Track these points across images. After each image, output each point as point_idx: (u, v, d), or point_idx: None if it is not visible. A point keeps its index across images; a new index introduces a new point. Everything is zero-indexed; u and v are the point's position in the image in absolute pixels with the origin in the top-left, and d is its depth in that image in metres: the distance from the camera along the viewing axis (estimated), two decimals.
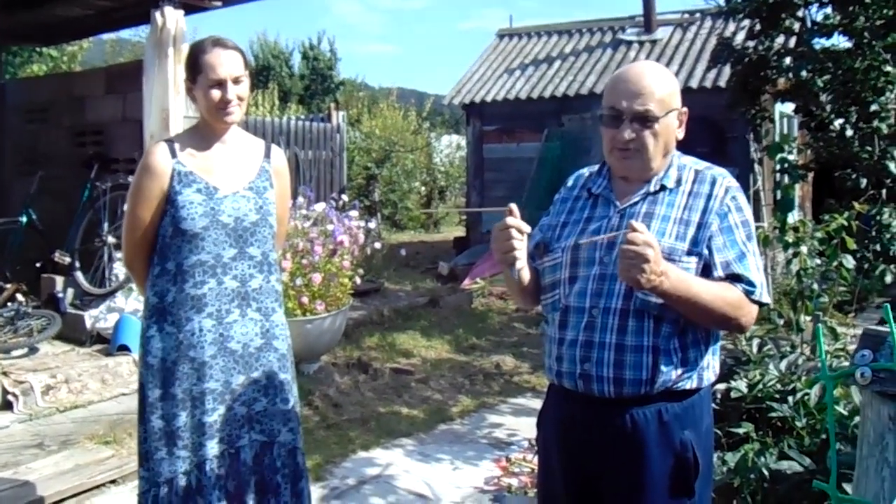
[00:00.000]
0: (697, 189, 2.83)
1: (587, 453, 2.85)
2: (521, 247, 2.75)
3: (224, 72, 3.56)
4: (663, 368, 2.72)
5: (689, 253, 2.73)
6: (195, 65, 3.60)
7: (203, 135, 3.72)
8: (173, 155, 3.63)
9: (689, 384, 2.79)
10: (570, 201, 3.06)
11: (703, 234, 2.75)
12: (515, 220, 2.74)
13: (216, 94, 3.57)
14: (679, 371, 2.75)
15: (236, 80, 3.60)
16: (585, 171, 3.13)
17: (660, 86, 2.78)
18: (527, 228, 2.77)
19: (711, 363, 2.88)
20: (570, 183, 3.15)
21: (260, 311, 3.73)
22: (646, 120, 2.76)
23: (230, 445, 3.68)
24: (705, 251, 2.74)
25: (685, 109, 2.88)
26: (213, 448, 3.63)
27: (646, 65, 2.89)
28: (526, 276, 2.90)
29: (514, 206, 2.77)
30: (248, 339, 3.70)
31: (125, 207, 3.75)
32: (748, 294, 2.72)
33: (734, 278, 2.72)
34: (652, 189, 2.84)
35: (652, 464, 2.76)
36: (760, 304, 2.79)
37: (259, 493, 3.74)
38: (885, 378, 1.97)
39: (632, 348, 2.72)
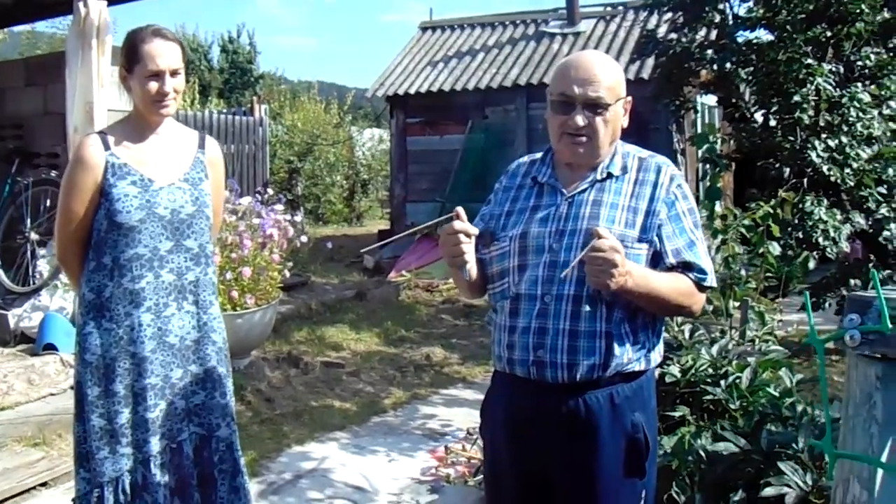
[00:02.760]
0: (643, 177, 2.87)
1: (538, 440, 2.86)
2: (469, 250, 2.79)
3: (163, 63, 3.48)
4: (616, 352, 2.76)
5: (640, 240, 2.78)
6: (133, 54, 3.51)
7: (136, 126, 3.65)
8: (106, 147, 3.54)
9: (639, 366, 2.83)
10: (513, 190, 3.05)
11: (652, 222, 2.80)
12: (463, 225, 2.77)
13: (153, 85, 3.49)
14: (630, 353, 2.79)
15: (174, 73, 3.53)
16: (526, 159, 3.13)
17: (609, 74, 2.81)
18: (474, 231, 2.81)
19: (657, 345, 2.93)
20: (510, 171, 3.14)
21: (196, 303, 3.68)
22: (597, 107, 2.78)
23: (171, 440, 3.62)
24: (655, 239, 2.79)
25: (629, 98, 2.91)
26: (156, 444, 3.57)
27: (595, 54, 2.94)
28: (475, 273, 2.91)
29: (460, 210, 2.79)
30: (185, 332, 3.64)
31: (58, 202, 3.65)
32: (700, 282, 2.79)
33: (685, 266, 2.78)
34: (599, 177, 2.87)
35: (605, 447, 2.79)
36: (708, 290, 2.85)
37: (201, 485, 3.69)
38: (874, 340, 2.05)
39: (585, 334, 2.74)
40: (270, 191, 9.32)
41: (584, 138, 2.82)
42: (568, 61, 2.91)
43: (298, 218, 8.46)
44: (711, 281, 2.82)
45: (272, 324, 8.17)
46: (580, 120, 2.79)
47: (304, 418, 6.79)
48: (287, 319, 9.72)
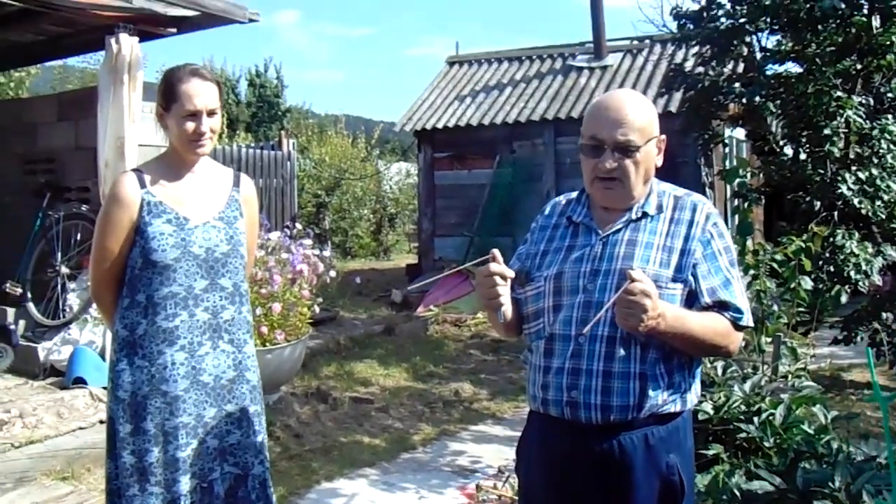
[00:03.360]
0: (679, 216, 2.85)
1: (573, 480, 2.84)
2: (505, 292, 2.79)
3: (200, 103, 3.49)
4: (650, 393, 2.73)
5: (674, 280, 2.75)
6: (170, 93, 3.52)
7: (172, 164, 3.65)
8: (142, 185, 3.55)
9: (674, 407, 2.81)
10: (549, 229, 3.05)
11: (687, 261, 2.77)
12: (499, 267, 2.77)
13: (190, 125, 3.49)
14: (665, 395, 2.77)
15: (211, 113, 3.54)
16: (562, 199, 3.12)
17: (640, 114, 2.79)
18: (510, 273, 2.80)
19: (694, 386, 2.90)
20: (546, 211, 3.13)
21: (232, 342, 3.67)
22: (627, 150, 2.77)
23: (202, 479, 3.60)
24: (690, 278, 2.76)
25: (663, 137, 2.88)
26: (186, 483, 3.54)
27: (626, 93, 2.91)
28: (510, 314, 2.90)
29: (496, 252, 2.78)
30: (221, 371, 3.63)
31: (93, 239, 3.65)
32: (736, 321, 2.76)
33: (721, 305, 2.75)
34: (634, 216, 2.85)
35: (639, 488, 2.76)
36: (744, 329, 2.82)
37: None
38: None
39: (619, 375, 2.73)
40: (299, 225, 9.32)
41: (615, 181, 2.81)
42: (598, 102, 2.90)
43: (327, 252, 8.45)
44: (748, 320, 2.79)
45: (301, 359, 8.15)
46: (610, 163, 2.78)
47: (334, 454, 6.76)
48: (316, 354, 9.71)
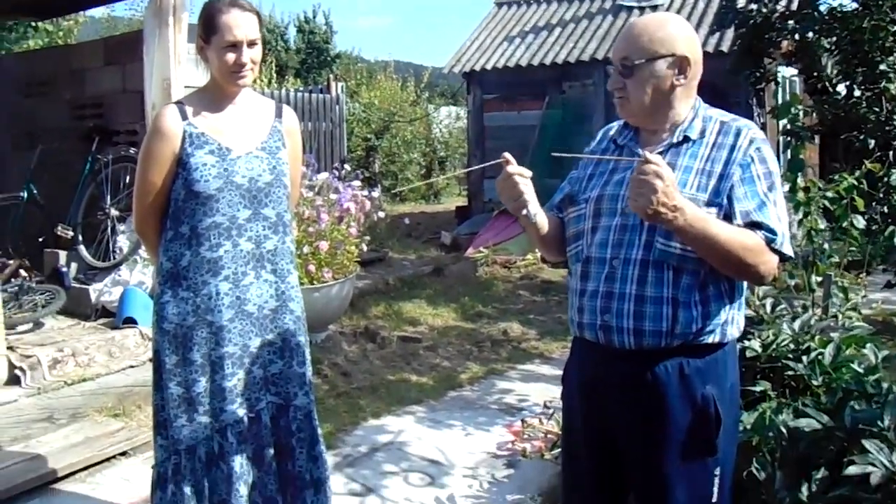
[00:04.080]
0: (721, 140, 2.79)
1: (607, 407, 2.85)
2: (528, 190, 2.80)
3: (241, 34, 3.48)
4: (683, 320, 2.71)
5: (710, 203, 2.70)
6: (210, 24, 3.51)
7: (214, 96, 3.65)
8: (184, 117, 3.56)
9: (712, 338, 2.77)
10: (598, 153, 3.03)
11: (725, 185, 2.71)
12: (515, 167, 2.79)
13: (231, 56, 3.49)
14: (700, 324, 2.73)
15: (251, 44, 3.53)
16: (614, 125, 3.10)
17: (646, 33, 2.77)
18: (528, 173, 2.82)
19: (736, 318, 2.85)
20: (598, 136, 3.14)
21: (275, 272, 3.70)
22: (625, 68, 2.78)
23: (250, 409, 3.65)
24: (725, 202, 2.70)
25: (687, 56, 2.79)
26: (233, 412, 3.60)
27: (648, 15, 2.92)
28: (543, 221, 2.91)
29: (507, 155, 2.82)
30: (264, 300, 3.67)
31: (136, 172, 3.67)
32: (769, 242, 2.67)
33: (754, 226, 2.67)
34: (675, 140, 2.81)
35: (672, 418, 2.75)
36: (783, 256, 2.73)
37: (278, 454, 3.74)
38: None
39: (651, 299, 2.71)
40: (348, 167, 9.32)
41: (623, 99, 2.83)
42: None
43: (376, 194, 8.44)
44: (783, 244, 2.69)
45: (349, 298, 8.18)
46: (611, 83, 2.83)
47: (381, 392, 6.80)
48: (364, 294, 9.75)
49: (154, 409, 3.72)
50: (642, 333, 2.72)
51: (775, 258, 2.72)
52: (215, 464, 3.60)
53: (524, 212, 2.82)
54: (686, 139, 2.81)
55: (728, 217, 2.69)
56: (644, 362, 2.75)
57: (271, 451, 3.71)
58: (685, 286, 2.71)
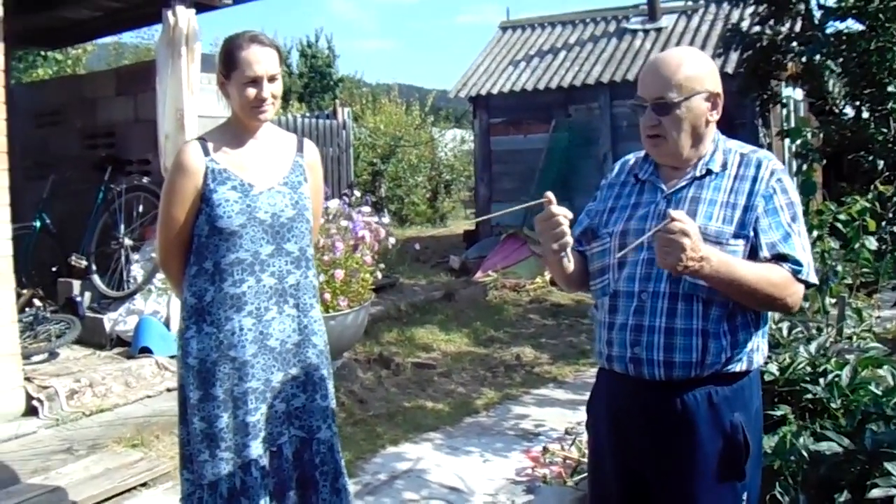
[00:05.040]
0: (743, 172, 2.82)
1: (637, 437, 2.86)
2: (569, 231, 2.80)
3: (261, 69, 3.51)
4: (713, 351, 2.73)
5: (736, 236, 2.73)
6: (231, 60, 3.54)
7: (235, 132, 3.68)
8: (206, 153, 3.58)
9: (739, 367, 2.80)
10: (616, 187, 3.06)
11: (750, 217, 2.75)
12: (559, 208, 2.78)
13: (252, 91, 3.52)
14: (729, 354, 2.76)
15: (272, 79, 3.55)
16: (631, 158, 3.12)
17: (681, 70, 2.79)
18: (570, 215, 2.80)
19: (761, 346, 2.88)
20: (616, 169, 3.15)
21: (297, 307, 3.71)
22: (664, 107, 2.78)
23: (272, 444, 3.65)
24: (752, 234, 2.74)
25: (718, 91, 2.85)
26: (256, 448, 3.59)
27: (672, 51, 2.93)
28: (571, 262, 2.90)
29: (550, 194, 2.80)
30: (286, 335, 3.67)
31: (160, 208, 3.69)
32: (795, 274, 2.71)
33: (780, 258, 2.71)
34: (698, 173, 2.84)
35: (702, 446, 2.76)
36: (808, 285, 2.78)
37: (300, 488, 3.73)
38: None
39: (681, 331, 2.73)
40: (357, 193, 9.36)
41: (659, 138, 2.83)
42: (646, 62, 2.94)
43: (385, 220, 8.47)
44: (808, 274, 2.73)
45: (364, 326, 8.20)
46: (648, 121, 2.82)
47: (398, 419, 6.82)
48: (377, 321, 9.76)
49: (180, 443, 3.73)
50: (672, 365, 2.74)
51: (801, 289, 2.76)
52: (236, 500, 3.61)
53: (563, 254, 2.83)
54: (709, 172, 2.84)
55: (754, 248, 2.73)
56: (673, 393, 2.78)
57: (293, 485, 3.71)
58: (714, 317, 2.74)
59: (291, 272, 3.68)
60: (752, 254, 2.74)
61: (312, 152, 3.90)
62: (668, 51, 2.94)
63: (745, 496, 2.83)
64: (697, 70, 2.81)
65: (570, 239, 2.80)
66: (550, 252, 2.85)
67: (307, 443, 3.75)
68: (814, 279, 2.77)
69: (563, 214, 2.77)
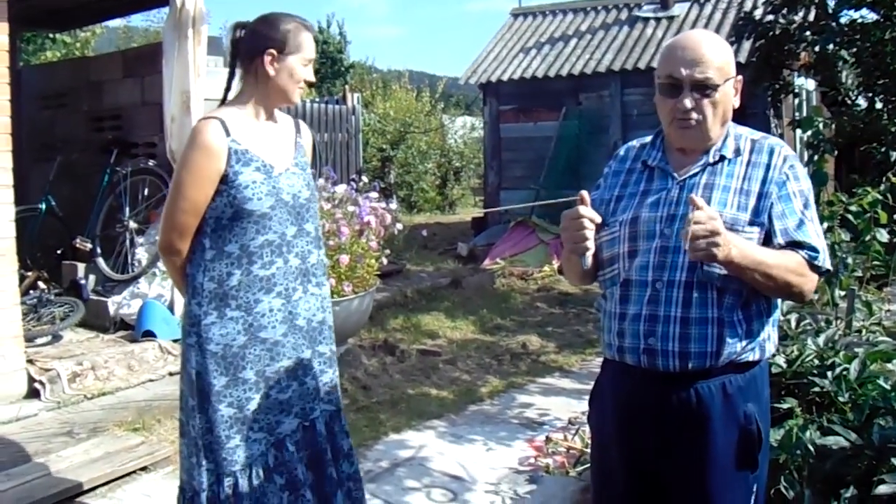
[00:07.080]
0: (756, 159, 2.78)
1: (648, 430, 2.81)
2: (591, 237, 2.71)
3: (315, 53, 3.64)
4: (728, 340, 2.69)
5: (752, 223, 2.69)
6: (296, 39, 3.55)
7: (253, 112, 3.62)
8: (227, 133, 3.49)
9: (752, 356, 2.76)
10: (622, 174, 2.99)
11: (765, 204, 2.71)
12: (588, 211, 2.71)
13: (309, 72, 3.61)
14: (743, 343, 2.72)
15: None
16: (636, 143, 3.05)
17: (718, 54, 2.72)
18: (598, 219, 2.74)
19: (772, 335, 2.85)
20: (621, 154, 3.07)
21: (318, 285, 3.75)
22: (706, 88, 2.70)
23: (304, 419, 3.69)
24: (766, 221, 2.70)
25: (740, 78, 2.82)
26: (289, 423, 3.64)
27: (703, 33, 2.84)
28: (588, 264, 2.81)
29: (585, 194, 2.73)
30: (311, 314, 3.71)
31: (173, 188, 3.56)
32: (811, 260, 2.68)
33: (795, 245, 2.68)
34: (711, 160, 2.79)
35: (716, 437, 2.72)
36: (822, 272, 2.75)
37: (334, 459, 3.78)
38: None
39: (697, 321, 2.68)
40: (365, 178, 9.31)
41: (693, 122, 2.74)
42: (675, 42, 2.82)
43: (393, 206, 8.42)
44: (824, 261, 2.70)
45: (369, 312, 8.15)
46: (688, 102, 2.71)
47: (401, 406, 6.78)
48: (383, 307, 9.74)
49: (199, 433, 3.57)
50: (688, 356, 2.69)
51: (816, 276, 2.73)
52: (270, 478, 3.59)
53: (582, 256, 2.74)
54: (722, 158, 2.79)
55: (769, 235, 2.70)
56: (687, 383, 2.73)
57: (328, 456, 3.74)
58: (728, 305, 2.70)
59: (312, 251, 3.72)
60: (766, 241, 2.71)
61: (307, 134, 3.93)
62: (695, 32, 2.86)
63: (755, 487, 2.81)
64: (729, 55, 2.78)
65: (590, 245, 2.72)
66: (567, 250, 2.81)
67: (336, 414, 3.83)
68: (828, 265, 2.74)
69: (590, 218, 2.70)
